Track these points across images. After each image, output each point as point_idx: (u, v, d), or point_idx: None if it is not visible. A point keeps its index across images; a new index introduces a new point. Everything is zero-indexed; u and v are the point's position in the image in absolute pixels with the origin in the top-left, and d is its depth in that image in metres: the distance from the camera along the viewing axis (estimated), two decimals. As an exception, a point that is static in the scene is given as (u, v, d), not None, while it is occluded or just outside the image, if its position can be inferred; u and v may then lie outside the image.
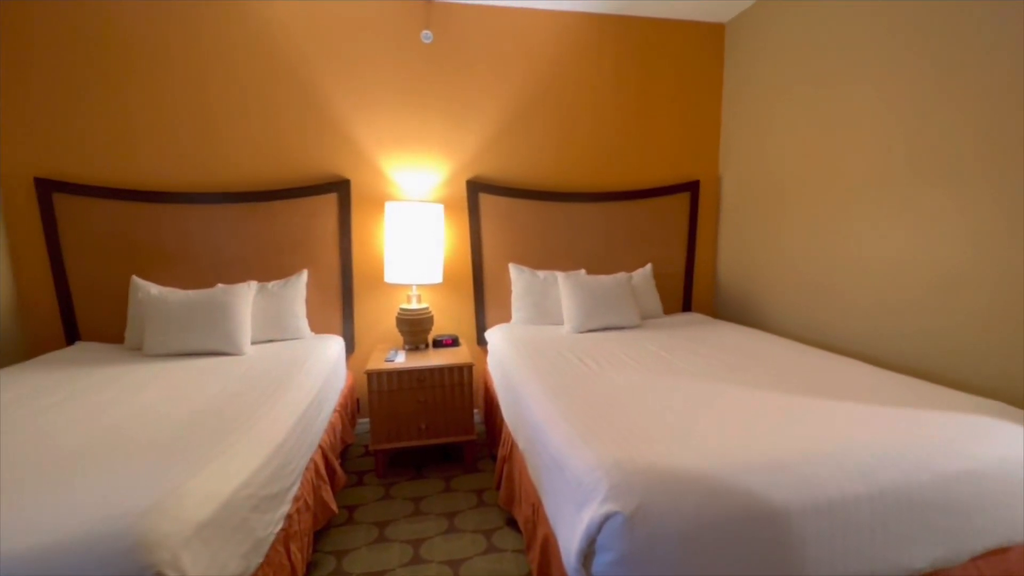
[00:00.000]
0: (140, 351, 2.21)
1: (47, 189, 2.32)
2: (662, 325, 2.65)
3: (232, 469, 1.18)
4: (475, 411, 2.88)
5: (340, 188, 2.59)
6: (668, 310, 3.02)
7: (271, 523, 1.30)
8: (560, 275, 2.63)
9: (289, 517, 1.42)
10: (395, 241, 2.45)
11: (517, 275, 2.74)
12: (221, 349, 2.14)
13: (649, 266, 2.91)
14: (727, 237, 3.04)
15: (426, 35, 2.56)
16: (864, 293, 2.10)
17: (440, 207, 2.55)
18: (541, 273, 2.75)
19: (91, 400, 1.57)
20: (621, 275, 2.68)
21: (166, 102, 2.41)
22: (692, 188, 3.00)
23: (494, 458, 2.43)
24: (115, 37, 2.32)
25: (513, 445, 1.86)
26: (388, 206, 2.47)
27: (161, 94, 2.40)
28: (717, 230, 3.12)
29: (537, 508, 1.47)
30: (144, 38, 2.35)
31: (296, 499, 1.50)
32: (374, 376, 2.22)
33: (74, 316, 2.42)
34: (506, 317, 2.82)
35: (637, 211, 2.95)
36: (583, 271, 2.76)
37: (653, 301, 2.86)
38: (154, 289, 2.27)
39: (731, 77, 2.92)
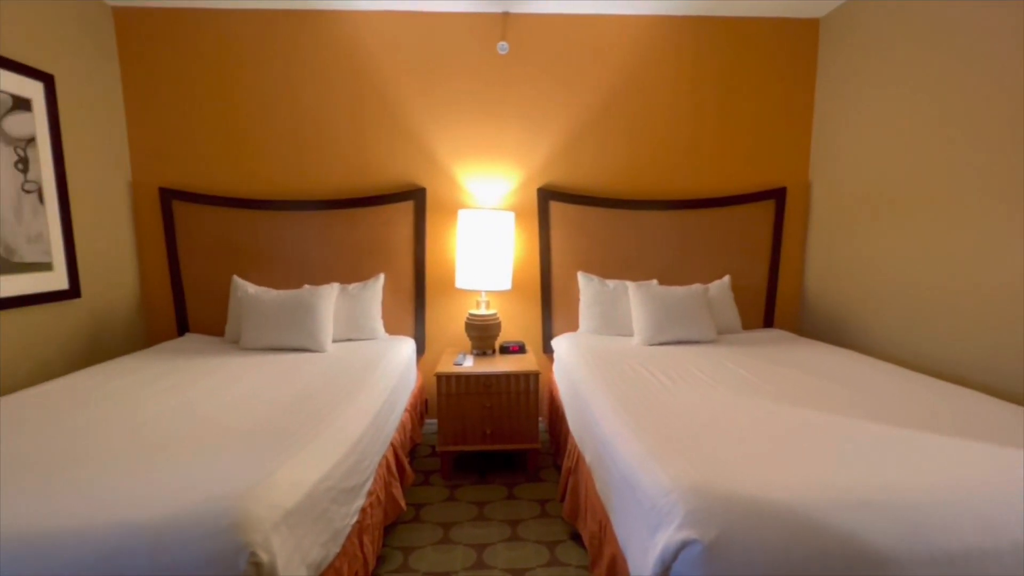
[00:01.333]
0: (237, 344, 2.43)
1: (168, 197, 2.63)
2: (741, 341, 2.49)
3: (315, 461, 1.26)
4: (540, 419, 2.87)
5: (416, 196, 2.70)
6: (747, 325, 2.84)
7: (348, 515, 1.37)
8: (631, 285, 2.56)
9: (363, 511, 1.48)
10: (466, 248, 2.50)
11: (586, 284, 2.70)
12: (306, 346, 2.30)
13: (727, 278, 2.76)
14: (817, 248, 2.80)
15: (502, 46, 2.61)
16: (983, 316, 1.85)
17: (511, 215, 2.58)
18: (610, 282, 2.69)
19: (197, 388, 1.74)
20: (696, 286, 2.56)
21: (266, 118, 2.65)
22: (777, 195, 2.81)
23: (558, 468, 2.40)
24: (223, 62, 2.59)
25: (579, 457, 1.83)
26: (461, 213, 2.54)
27: (262, 111, 2.64)
28: (805, 240, 2.89)
29: (604, 525, 1.42)
30: (248, 62, 2.60)
31: (370, 494, 1.56)
32: (443, 379, 2.28)
33: (185, 310, 2.71)
34: (573, 326, 2.79)
35: (714, 220, 2.80)
36: (655, 281, 2.67)
37: (731, 315, 2.70)
38: (251, 288, 2.49)
39: (826, 76, 2.70)
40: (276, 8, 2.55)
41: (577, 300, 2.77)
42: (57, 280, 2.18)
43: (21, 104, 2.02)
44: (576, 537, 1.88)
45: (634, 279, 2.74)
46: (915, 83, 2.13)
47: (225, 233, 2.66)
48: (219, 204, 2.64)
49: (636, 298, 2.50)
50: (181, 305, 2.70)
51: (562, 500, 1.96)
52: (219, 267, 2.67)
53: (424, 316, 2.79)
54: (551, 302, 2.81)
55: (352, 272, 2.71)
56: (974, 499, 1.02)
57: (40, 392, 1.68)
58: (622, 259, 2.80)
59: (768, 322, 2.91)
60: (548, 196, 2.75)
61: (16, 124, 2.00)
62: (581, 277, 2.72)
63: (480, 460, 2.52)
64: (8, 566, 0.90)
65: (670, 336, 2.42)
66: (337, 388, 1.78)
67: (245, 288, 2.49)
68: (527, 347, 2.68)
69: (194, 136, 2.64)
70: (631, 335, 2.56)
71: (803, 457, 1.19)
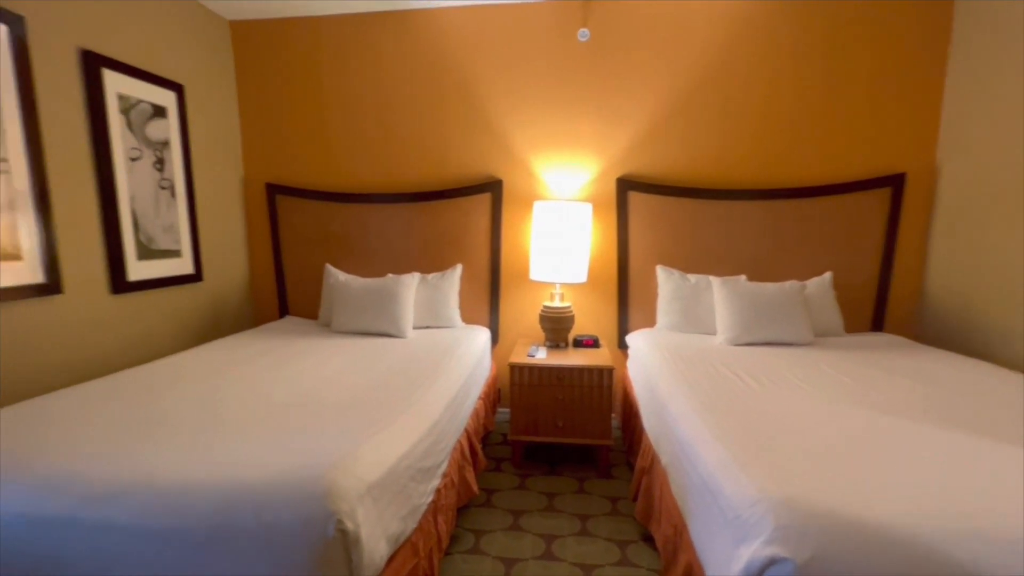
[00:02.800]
0: (329, 327, 2.63)
1: (273, 192, 2.90)
2: (843, 345, 2.25)
3: (396, 440, 1.33)
4: (613, 416, 2.81)
5: (493, 188, 2.73)
6: (851, 328, 2.56)
7: (425, 493, 1.43)
8: (715, 280, 2.41)
9: (438, 491, 1.55)
10: (541, 240, 2.50)
11: (665, 278, 2.58)
12: (389, 331, 2.44)
13: (828, 275, 2.50)
14: (942, 242, 2.45)
15: (583, 33, 2.55)
16: None
17: (588, 206, 2.53)
18: (692, 277, 2.55)
19: (295, 366, 1.91)
20: (791, 283, 2.35)
21: (356, 117, 2.81)
22: (894, 182, 2.48)
23: (631, 466, 2.34)
24: (317, 66, 2.78)
25: (654, 458, 1.76)
26: (536, 205, 2.53)
27: (352, 111, 2.81)
28: (928, 233, 2.54)
29: (681, 531, 1.36)
30: (338, 65, 2.77)
31: (444, 475, 1.63)
32: (516, 369, 2.31)
33: (286, 295, 2.98)
34: (650, 321, 2.69)
35: (815, 210, 2.54)
36: (743, 277, 2.48)
37: (832, 316, 2.44)
38: (341, 276, 2.68)
39: (962, 57, 2.33)
40: (363, 12, 2.69)
41: (655, 295, 2.66)
42: (185, 265, 2.49)
43: (159, 112, 2.32)
44: (648, 539, 1.83)
45: (719, 274, 2.58)
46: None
47: (320, 224, 2.88)
48: (314, 198, 2.86)
49: (721, 294, 2.35)
50: (282, 290, 2.98)
51: (634, 500, 1.91)
52: (314, 256, 2.90)
53: (499, 306, 2.84)
54: (627, 296, 2.73)
55: (432, 262, 2.81)
56: None
57: (172, 362, 1.94)
58: (706, 253, 2.64)
59: (877, 325, 2.60)
60: (627, 186, 2.66)
61: (155, 129, 2.30)
62: (660, 271, 2.61)
63: (551, 452, 2.53)
64: (140, 509, 1.05)
65: (759, 336, 2.24)
66: (417, 372, 1.87)
67: (336, 275, 2.69)
68: (601, 341, 2.63)
69: (294, 135, 2.88)
70: (714, 333, 2.41)
71: (913, 477, 1.05)
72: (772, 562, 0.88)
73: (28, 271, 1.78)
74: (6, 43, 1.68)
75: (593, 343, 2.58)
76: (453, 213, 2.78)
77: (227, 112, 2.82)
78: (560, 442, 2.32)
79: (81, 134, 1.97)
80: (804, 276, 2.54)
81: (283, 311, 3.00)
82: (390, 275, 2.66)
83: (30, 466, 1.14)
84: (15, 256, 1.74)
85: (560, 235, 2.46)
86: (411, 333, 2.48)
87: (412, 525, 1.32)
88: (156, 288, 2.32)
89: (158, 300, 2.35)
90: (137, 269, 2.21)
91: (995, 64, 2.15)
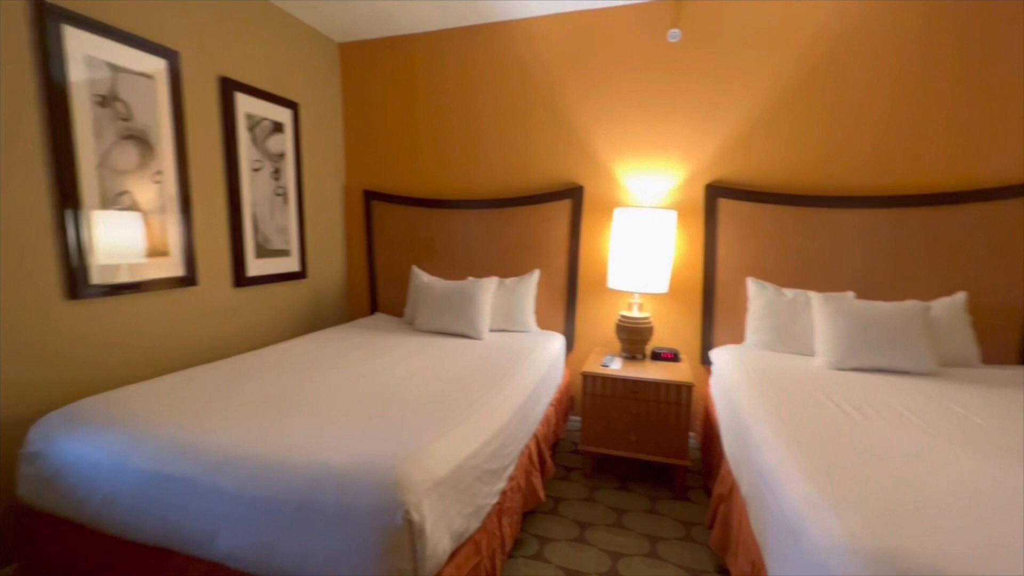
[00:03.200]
0: (412, 325, 2.79)
1: (369, 198, 3.14)
2: (977, 378, 1.93)
3: (464, 441, 1.38)
4: (692, 435, 2.66)
5: (574, 195, 2.72)
6: (991, 359, 2.18)
7: (490, 495, 1.46)
8: (816, 296, 2.19)
9: (504, 493, 1.57)
10: (621, 248, 2.44)
11: (757, 291, 2.39)
12: (467, 332, 2.52)
13: (961, 295, 2.15)
14: (1124, 262, 2.00)
15: (673, 34, 2.45)
16: None
17: (673, 214, 2.43)
18: (789, 292, 2.34)
19: (381, 360, 2.05)
20: (911, 303, 2.06)
21: (444, 127, 2.96)
22: (1055, 188, 2.08)
23: (708, 491, 2.19)
24: (410, 81, 2.96)
25: (734, 486, 1.64)
26: (616, 212, 2.48)
27: (441, 121, 2.96)
28: (1102, 250, 2.09)
29: (758, 568, 1.25)
30: (428, 79, 2.93)
31: (511, 479, 1.65)
32: (589, 379, 2.27)
33: (376, 293, 3.21)
34: (738, 338, 2.50)
35: (946, 219, 2.21)
36: (851, 294, 2.23)
37: (964, 343, 2.10)
38: (425, 277, 2.83)
39: None
40: (455, 27, 2.82)
41: (744, 309, 2.47)
42: (292, 264, 2.79)
43: (277, 127, 2.62)
44: (724, 572, 1.70)
45: (821, 290, 2.33)
46: None
47: (409, 228, 3.07)
48: (405, 203, 3.05)
49: (823, 312, 2.13)
50: (374, 288, 3.21)
51: (711, 527, 1.80)
52: (403, 257, 3.09)
53: (575, 314, 2.81)
54: (713, 309, 2.57)
55: (511, 267, 2.87)
56: None
57: (277, 350, 2.17)
58: (806, 266, 2.40)
59: (1027, 357, 2.19)
60: (717, 193, 2.51)
61: (274, 143, 2.61)
62: (752, 284, 2.42)
63: (623, 466, 2.45)
64: (244, 478, 1.19)
65: (868, 362, 2.00)
66: (489, 375, 1.91)
67: (421, 277, 2.84)
68: (681, 356, 2.50)
69: (390, 145, 3.10)
70: (810, 355, 2.19)
71: (1066, 549, 0.87)
72: (861, 621, 0.78)
73: (174, 265, 2.11)
74: (165, 74, 2.01)
75: (673, 357, 2.46)
76: (533, 219, 2.81)
77: (334, 126, 3.11)
78: (633, 457, 2.24)
79: (216, 149, 2.29)
80: (929, 296, 2.22)
81: (373, 308, 3.23)
82: (470, 278, 2.75)
83: (161, 432, 1.34)
84: (164, 252, 2.06)
85: (641, 243, 2.38)
86: (487, 335, 2.54)
87: (476, 524, 1.36)
88: (268, 283, 2.62)
89: (269, 294, 2.65)
90: (255, 266, 2.52)
91: None
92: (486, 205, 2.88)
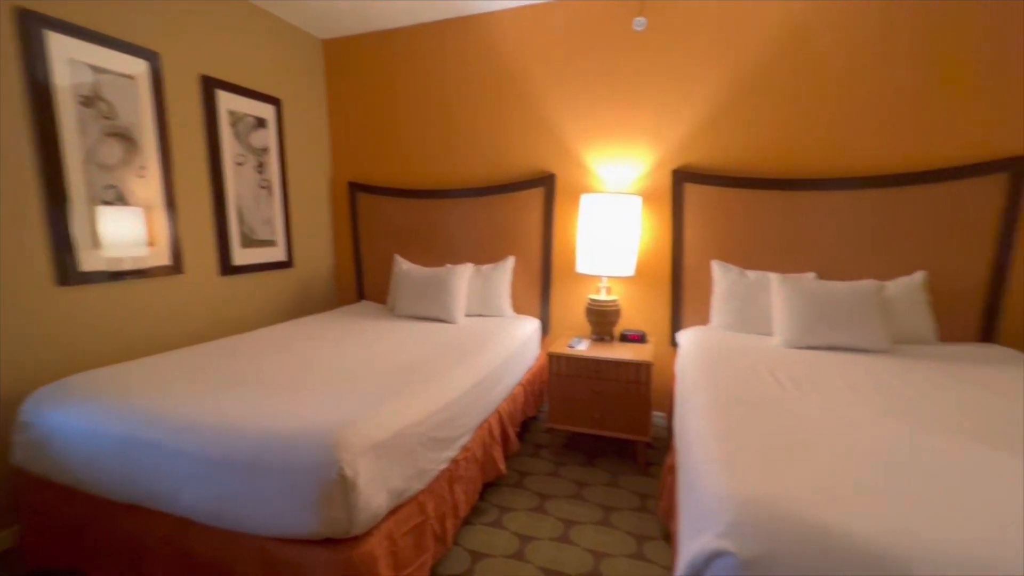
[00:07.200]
0: (393, 311, 2.90)
1: (354, 190, 3.26)
2: (929, 355, 1.97)
3: (410, 410, 1.49)
4: (660, 414, 2.74)
5: (546, 182, 2.79)
6: (953, 337, 2.21)
7: (437, 460, 1.57)
8: (774, 277, 2.24)
9: (455, 462, 1.68)
10: (588, 233, 2.51)
11: (722, 274, 2.45)
12: (441, 317, 2.63)
13: (919, 274, 2.19)
14: (1082, 239, 2.01)
15: (639, 22, 2.48)
16: None
17: (638, 199, 2.49)
18: (751, 273, 2.39)
19: (352, 341, 2.17)
20: (866, 282, 2.10)
21: (424, 119, 3.05)
22: (1014, 167, 2.09)
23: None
24: (389, 75, 3.06)
25: (676, 455, 1.72)
26: (583, 198, 2.55)
27: (420, 113, 3.05)
28: (1063, 228, 2.10)
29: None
30: (408, 70, 3.02)
31: (465, 448, 1.76)
32: (554, 359, 2.36)
33: (362, 281, 3.34)
34: (706, 320, 2.56)
35: (906, 200, 2.23)
36: (812, 274, 2.27)
37: (921, 322, 2.14)
38: (405, 265, 2.94)
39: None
40: (429, 21, 2.89)
41: (711, 292, 2.53)
42: (279, 253, 2.92)
43: (260, 123, 2.74)
44: (670, 539, 1.79)
45: (784, 271, 2.38)
46: None
47: (391, 218, 3.18)
48: (387, 194, 3.16)
49: (781, 292, 2.18)
50: (360, 277, 3.34)
51: (660, 498, 1.88)
52: (387, 246, 3.20)
53: (550, 298, 2.90)
54: (681, 292, 2.63)
55: (487, 254, 2.96)
56: None
57: (257, 335, 2.30)
58: (770, 248, 2.45)
59: (988, 336, 2.21)
60: (684, 178, 2.56)
61: (257, 138, 2.73)
62: (716, 266, 2.47)
63: (591, 443, 2.54)
64: (204, 441, 1.32)
65: (821, 340, 2.05)
66: (453, 355, 2.02)
67: (401, 264, 2.95)
68: (648, 337, 2.58)
69: (372, 138, 3.20)
70: (771, 334, 2.24)
71: (917, 496, 0.94)
72: (716, 555, 0.87)
73: (160, 255, 2.25)
74: (146, 74, 2.14)
75: (639, 338, 2.54)
76: (508, 207, 2.89)
77: (318, 120, 3.22)
78: (597, 433, 2.33)
79: (199, 144, 2.42)
80: (889, 276, 2.25)
81: (360, 295, 3.36)
82: (447, 265, 2.85)
83: (133, 403, 1.48)
84: (151, 243, 2.20)
85: (607, 228, 2.45)
86: (462, 320, 2.64)
87: (419, 486, 1.47)
88: (255, 272, 2.75)
89: (256, 282, 2.79)
90: (241, 255, 2.65)
91: None
92: (463, 194, 2.97)
